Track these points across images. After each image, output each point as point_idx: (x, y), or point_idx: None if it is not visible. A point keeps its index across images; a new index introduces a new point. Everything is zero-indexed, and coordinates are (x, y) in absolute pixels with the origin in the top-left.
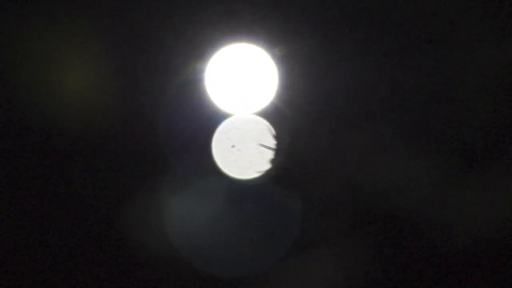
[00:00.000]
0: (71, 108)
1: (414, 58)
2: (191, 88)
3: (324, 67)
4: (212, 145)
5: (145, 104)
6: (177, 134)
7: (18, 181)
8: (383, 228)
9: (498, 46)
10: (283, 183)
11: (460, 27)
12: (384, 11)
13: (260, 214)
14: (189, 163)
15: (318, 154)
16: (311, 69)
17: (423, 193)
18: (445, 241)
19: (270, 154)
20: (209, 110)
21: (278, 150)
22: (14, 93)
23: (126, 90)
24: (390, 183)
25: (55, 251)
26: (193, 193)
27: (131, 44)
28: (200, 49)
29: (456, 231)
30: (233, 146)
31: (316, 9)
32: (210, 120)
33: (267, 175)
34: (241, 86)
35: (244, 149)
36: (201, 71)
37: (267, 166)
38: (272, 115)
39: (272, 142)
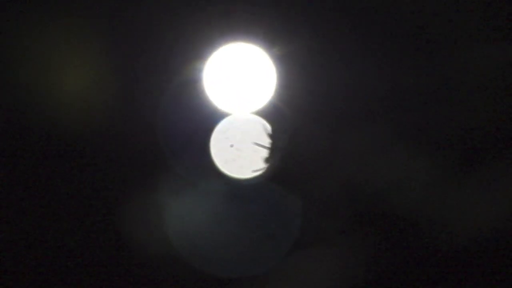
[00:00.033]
0: (70, 108)
1: (414, 58)
2: (190, 88)
3: (322, 66)
4: (210, 144)
5: (143, 103)
6: (176, 134)
7: (18, 181)
8: (383, 228)
9: (498, 46)
10: (281, 183)
11: (460, 27)
12: (383, 10)
13: (259, 214)
14: (188, 162)
15: (316, 154)
16: (310, 68)
17: (423, 193)
18: (445, 241)
19: (268, 154)
20: (208, 109)
21: (276, 150)
22: (14, 93)
23: (124, 90)
24: (389, 183)
25: (55, 251)
26: (192, 193)
27: (130, 44)
28: (198, 48)
29: (456, 231)
30: (231, 146)
31: (314, 8)
32: (209, 119)
33: (266, 174)
34: (240, 85)
35: (242, 148)
36: (200, 70)
37: (265, 165)
38: (271, 114)
39: (271, 142)
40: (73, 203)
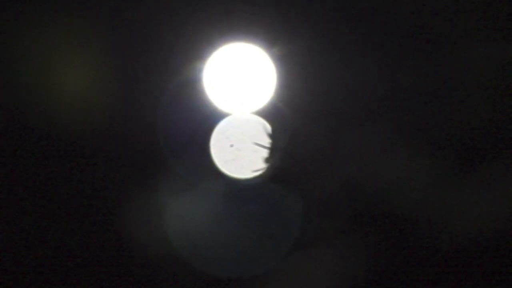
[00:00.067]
0: (70, 108)
1: (414, 58)
2: (190, 88)
3: (322, 66)
4: (210, 144)
5: (143, 103)
6: (176, 134)
7: (18, 181)
8: (383, 228)
9: (498, 46)
10: (281, 183)
11: (460, 27)
12: (383, 10)
13: (259, 214)
14: (187, 163)
15: (316, 154)
16: (310, 68)
17: (423, 193)
18: (445, 241)
19: (268, 154)
20: (208, 109)
21: (276, 150)
22: (14, 93)
23: (124, 90)
24: (389, 183)
25: (55, 251)
26: (192, 193)
27: (129, 44)
28: (198, 48)
29: (456, 231)
30: (231, 146)
31: (314, 8)
32: (209, 119)
33: (266, 174)
34: (240, 85)
35: (242, 148)
36: (200, 70)
37: (265, 165)
38: (271, 114)
39: (271, 142)
40: (73, 203)
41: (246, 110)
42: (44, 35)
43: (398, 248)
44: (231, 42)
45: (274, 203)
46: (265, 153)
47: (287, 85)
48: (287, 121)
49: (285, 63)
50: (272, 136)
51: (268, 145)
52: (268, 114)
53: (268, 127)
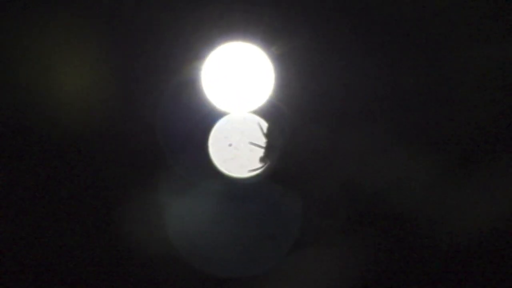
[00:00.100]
0: (70, 108)
1: (414, 58)
2: (188, 87)
3: (321, 66)
4: (209, 144)
5: (142, 103)
6: (174, 133)
7: (18, 181)
8: (383, 228)
9: (498, 46)
10: (281, 182)
11: (460, 27)
12: (383, 9)
13: (259, 214)
14: (186, 162)
15: (316, 154)
16: (308, 68)
17: (423, 193)
18: (444, 240)
19: (266, 153)
20: (206, 108)
21: (274, 149)
22: (13, 93)
23: (123, 90)
24: (389, 183)
25: (55, 251)
26: (192, 193)
27: (129, 44)
28: (197, 48)
29: (456, 231)
30: (230, 145)
31: (313, 7)
32: (207, 119)
33: (265, 174)
34: (238, 85)
35: (241, 147)
36: (198, 70)
37: (263, 164)
38: (269, 113)
39: (269, 141)
40: (73, 203)
41: (244, 109)
42: (44, 35)
43: (398, 248)
44: (229, 42)
45: (273, 203)
46: (263, 152)
47: (285, 85)
48: (285, 120)
49: (283, 62)
50: (270, 135)
51: (266, 144)
52: (266, 113)
53: (266, 127)
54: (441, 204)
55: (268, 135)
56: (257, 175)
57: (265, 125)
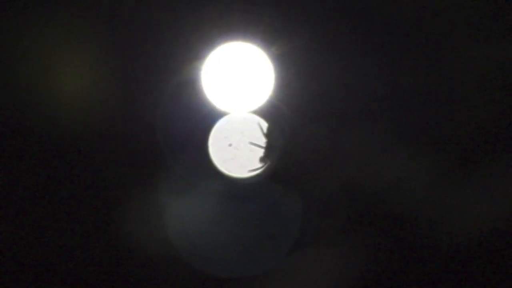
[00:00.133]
0: (70, 108)
1: (414, 58)
2: (188, 87)
3: (321, 66)
4: (209, 144)
5: (142, 103)
6: (174, 133)
7: (18, 181)
8: (383, 228)
9: (498, 46)
10: (281, 182)
11: (460, 27)
12: (383, 9)
13: (259, 214)
14: (186, 162)
15: (315, 153)
16: (308, 68)
17: (423, 193)
18: (444, 240)
19: (266, 153)
20: (206, 108)
21: (274, 149)
22: (13, 93)
23: (123, 90)
24: (389, 183)
25: (55, 251)
26: (191, 192)
27: (129, 44)
28: (197, 48)
29: (456, 231)
30: (230, 145)
31: (313, 7)
32: (207, 119)
33: (265, 174)
34: (238, 84)
35: (241, 147)
36: (198, 70)
37: (263, 164)
38: (269, 113)
39: (269, 141)
40: (73, 203)
41: (244, 109)
42: (44, 35)
43: (398, 248)
44: (229, 42)
45: (273, 203)
46: (263, 152)
47: (285, 84)
48: (285, 121)
49: (283, 62)
50: (270, 135)
51: (266, 144)
52: (266, 113)
53: (266, 127)
54: (441, 204)
55: (268, 135)
56: (257, 175)
57: (265, 125)
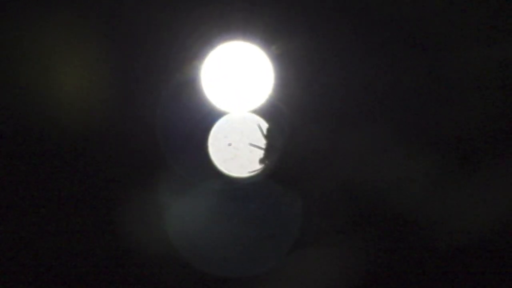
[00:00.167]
0: (70, 108)
1: (414, 58)
2: (188, 87)
3: (320, 65)
4: (208, 143)
5: (142, 103)
6: (174, 133)
7: (18, 181)
8: (383, 228)
9: (498, 46)
10: (281, 182)
11: (460, 27)
12: (383, 9)
13: (259, 213)
14: (186, 162)
15: (315, 153)
16: (308, 67)
17: (423, 193)
18: (444, 240)
19: (266, 153)
20: (206, 108)
21: (274, 149)
22: (13, 93)
23: (123, 90)
24: (389, 183)
25: (55, 251)
26: (191, 192)
27: (129, 43)
28: (196, 47)
29: (456, 231)
30: (229, 145)
31: (313, 7)
32: (207, 118)
33: (265, 174)
34: (238, 84)
35: (240, 147)
36: (198, 69)
37: (263, 164)
38: (269, 113)
39: (268, 141)
40: (73, 203)
41: (244, 109)
42: (44, 35)
43: (398, 248)
44: (228, 41)
45: (273, 203)
46: (262, 152)
47: (285, 84)
48: (285, 120)
49: (283, 62)
50: (270, 135)
51: (266, 144)
52: (266, 113)
53: (266, 126)
54: (441, 204)
55: (268, 135)
56: (257, 175)
57: (265, 125)
